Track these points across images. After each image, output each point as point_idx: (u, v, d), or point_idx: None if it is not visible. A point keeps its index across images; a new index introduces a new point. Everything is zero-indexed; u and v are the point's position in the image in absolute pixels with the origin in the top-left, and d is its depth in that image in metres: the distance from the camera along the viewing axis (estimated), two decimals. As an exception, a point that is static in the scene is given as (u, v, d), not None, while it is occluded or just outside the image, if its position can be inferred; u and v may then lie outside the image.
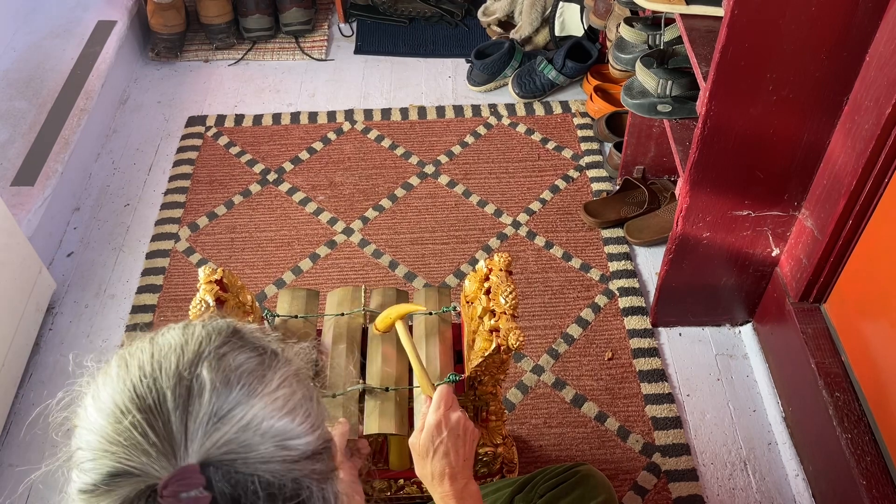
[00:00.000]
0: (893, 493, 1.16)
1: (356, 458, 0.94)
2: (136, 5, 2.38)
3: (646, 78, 1.46)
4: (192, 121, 2.17)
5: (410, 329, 1.16)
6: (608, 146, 2.02)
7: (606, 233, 1.84)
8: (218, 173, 2.02)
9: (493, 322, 1.02)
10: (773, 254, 1.45)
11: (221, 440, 0.49)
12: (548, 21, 2.32)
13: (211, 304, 1.01)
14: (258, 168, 2.03)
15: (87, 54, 2.14)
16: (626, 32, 1.61)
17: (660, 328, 1.65)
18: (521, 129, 2.12)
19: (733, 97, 1.18)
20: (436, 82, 2.31)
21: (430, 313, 1.16)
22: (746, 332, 1.63)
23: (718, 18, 1.26)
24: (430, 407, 0.90)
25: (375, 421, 1.03)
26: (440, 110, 2.19)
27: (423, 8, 2.50)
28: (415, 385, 1.08)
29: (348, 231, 1.86)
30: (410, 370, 1.11)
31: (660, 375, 1.56)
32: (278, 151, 2.07)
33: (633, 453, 1.45)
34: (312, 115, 2.18)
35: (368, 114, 2.18)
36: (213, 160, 2.05)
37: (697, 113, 1.24)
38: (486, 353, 1.00)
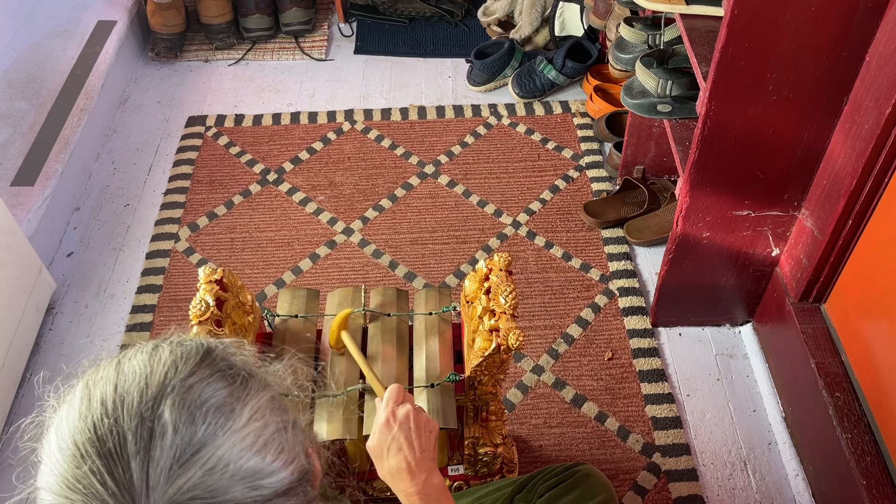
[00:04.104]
0: (893, 493, 1.16)
1: None
2: (136, 5, 2.38)
3: (646, 78, 1.46)
4: (192, 121, 2.17)
5: (411, 329, 1.17)
6: (608, 146, 2.02)
7: (606, 233, 1.84)
8: (218, 173, 2.02)
9: (493, 322, 1.02)
10: (773, 254, 1.45)
11: (186, 486, 0.47)
12: (548, 21, 2.32)
13: (211, 304, 1.02)
14: (258, 168, 2.03)
15: (87, 54, 2.14)
16: (626, 32, 1.61)
17: (660, 328, 1.65)
18: (521, 129, 2.12)
19: (733, 97, 1.18)
20: (436, 82, 2.31)
21: (430, 313, 1.16)
22: (746, 332, 1.63)
23: (718, 18, 1.26)
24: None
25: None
26: (440, 110, 2.19)
27: (423, 8, 2.50)
28: (414, 385, 1.08)
29: (348, 231, 1.86)
30: (411, 370, 1.12)
31: (660, 375, 1.56)
32: (278, 151, 2.07)
33: (633, 453, 1.45)
34: (312, 115, 2.18)
35: (368, 114, 2.18)
36: (213, 160, 2.05)
37: (697, 113, 1.24)
38: (486, 353, 1.01)
